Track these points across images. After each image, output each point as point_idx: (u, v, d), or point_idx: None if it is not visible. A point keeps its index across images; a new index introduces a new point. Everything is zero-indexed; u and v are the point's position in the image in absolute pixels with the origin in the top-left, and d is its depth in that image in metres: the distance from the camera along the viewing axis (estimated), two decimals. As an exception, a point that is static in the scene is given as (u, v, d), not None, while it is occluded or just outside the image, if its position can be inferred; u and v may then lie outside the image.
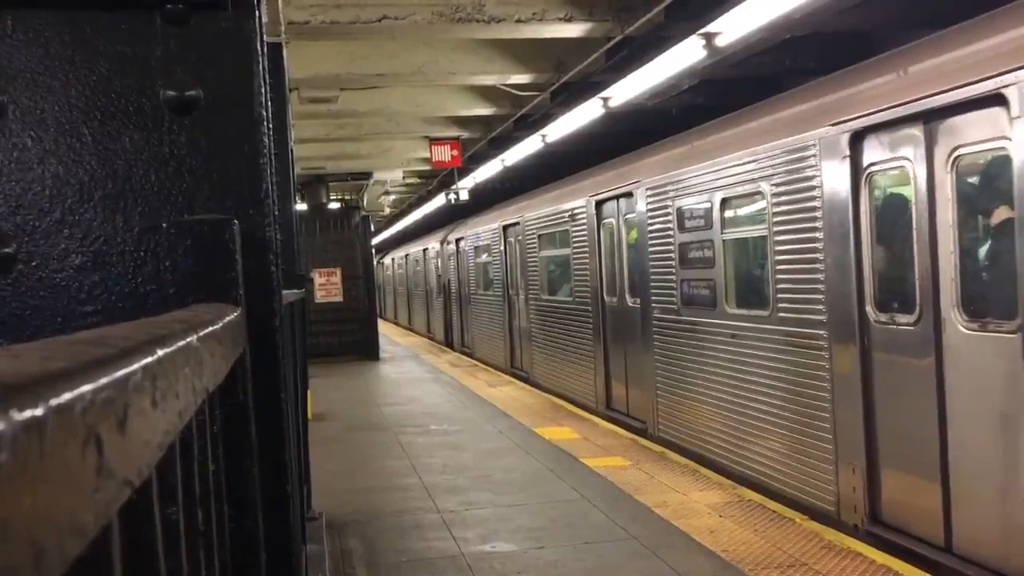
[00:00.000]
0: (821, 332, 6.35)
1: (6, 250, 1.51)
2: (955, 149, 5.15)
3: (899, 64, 5.74)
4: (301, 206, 19.54)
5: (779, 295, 6.84)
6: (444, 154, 15.82)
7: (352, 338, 19.68)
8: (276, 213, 1.75)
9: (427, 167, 17.76)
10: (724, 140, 7.87)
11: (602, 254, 11.09)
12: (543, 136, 13.01)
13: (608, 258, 10.98)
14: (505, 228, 15.77)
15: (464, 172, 18.13)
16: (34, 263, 1.52)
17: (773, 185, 6.87)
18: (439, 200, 21.43)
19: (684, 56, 8.17)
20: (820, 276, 6.31)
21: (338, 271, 19.59)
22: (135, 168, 1.57)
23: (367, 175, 20.94)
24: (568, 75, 10.69)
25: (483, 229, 17.57)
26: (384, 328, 24.26)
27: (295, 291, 4.68)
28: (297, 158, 12.63)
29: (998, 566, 4.83)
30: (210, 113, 1.59)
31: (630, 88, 9.70)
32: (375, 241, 28.22)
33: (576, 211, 11.77)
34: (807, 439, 6.61)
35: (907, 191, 5.54)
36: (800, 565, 5.40)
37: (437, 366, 17.94)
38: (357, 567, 5.82)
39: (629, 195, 9.98)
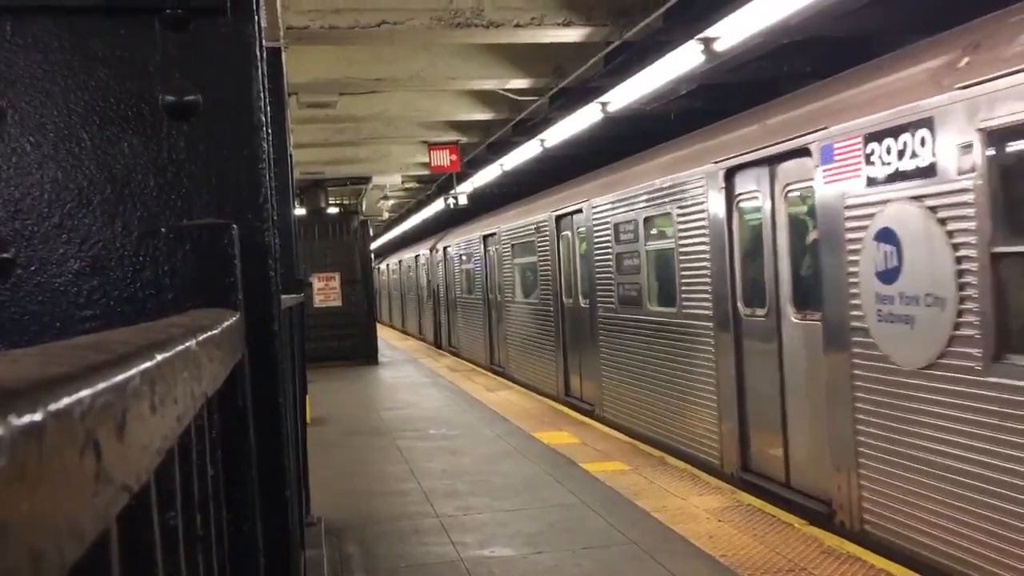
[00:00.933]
0: (709, 324, 8.06)
1: (5, 255, 1.51)
2: (786, 186, 6.89)
3: (762, 117, 7.36)
4: (300, 211, 19.54)
5: (683, 295, 8.55)
6: (443, 159, 15.83)
7: (351, 343, 19.67)
8: (275, 218, 1.75)
9: (426, 172, 17.77)
10: (648, 168, 9.53)
11: (561, 262, 12.74)
12: (542, 141, 13.02)
13: (566, 265, 12.59)
14: (485, 238, 17.43)
15: (463, 177, 18.13)
16: (33, 268, 1.52)
17: (679, 208, 8.53)
18: (438, 205, 21.45)
19: (682, 61, 8.19)
20: (708, 280, 8.01)
21: (337, 276, 19.59)
22: (134, 173, 1.57)
23: (366, 180, 20.93)
24: (567, 80, 10.70)
25: (466, 238, 19.52)
26: (381, 332, 24.52)
27: (294, 296, 4.68)
28: (296, 163, 12.63)
29: (816, 493, 6.57)
30: (209, 118, 1.59)
31: (629, 93, 9.72)
32: (374, 246, 28.43)
33: (541, 224, 13.42)
34: (700, 408, 8.35)
35: (759, 216, 7.25)
36: (799, 570, 5.39)
37: (436, 370, 17.93)
38: (356, 572, 5.81)
39: (580, 211, 11.67)
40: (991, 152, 4.80)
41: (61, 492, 0.38)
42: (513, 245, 15.17)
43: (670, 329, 8.92)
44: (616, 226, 10.27)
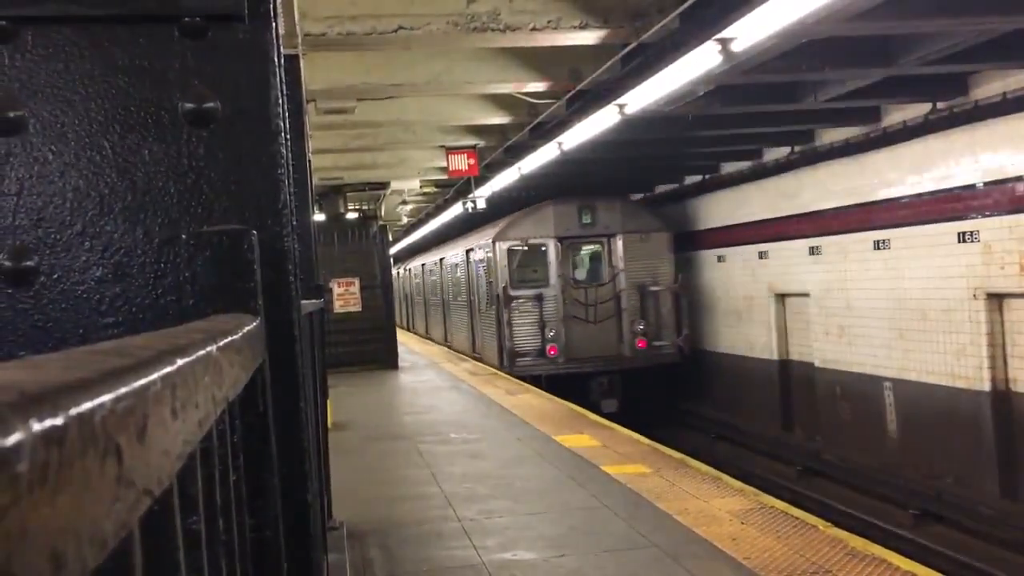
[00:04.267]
0: (467, 306, 23.59)
1: (28, 263, 1.52)
2: (476, 258, 21.93)
3: (473, 232, 23.98)
4: (319, 216, 19.62)
5: (464, 295, 23.95)
6: (461, 163, 15.84)
7: (371, 347, 19.72)
8: (294, 223, 1.76)
9: (444, 176, 17.79)
10: (458, 244, 25.06)
11: (442, 281, 27.77)
12: (559, 144, 13.01)
13: (446, 283, 27.31)
14: (423, 266, 33.04)
15: (482, 180, 18.15)
16: (56, 276, 1.54)
17: (460, 263, 24.05)
18: (456, 209, 21.51)
19: (700, 62, 8.16)
20: (466, 290, 23.48)
21: (356, 281, 19.65)
22: (154, 180, 1.58)
23: (384, 185, 20.99)
24: (584, 83, 10.68)
25: (415, 264, 36.14)
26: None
27: (314, 301, 4.70)
28: (315, 169, 12.68)
29: (479, 351, 22.08)
30: (228, 125, 1.60)
31: (646, 94, 9.70)
32: (393, 251, 29.27)
33: (435, 262, 29.24)
34: (468, 334, 23.73)
35: (474, 268, 22.35)
36: (824, 572, 5.35)
37: (456, 375, 17.95)
38: (378, 576, 5.81)
39: (444, 258, 26.88)
40: (490, 256, 20.09)
41: (83, 497, 0.38)
42: (428, 271, 31.08)
43: (463, 308, 23.86)
44: (452, 266, 25.48)
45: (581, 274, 19.44)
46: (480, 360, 20.81)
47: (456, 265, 24.50)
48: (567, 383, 17.30)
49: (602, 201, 19.23)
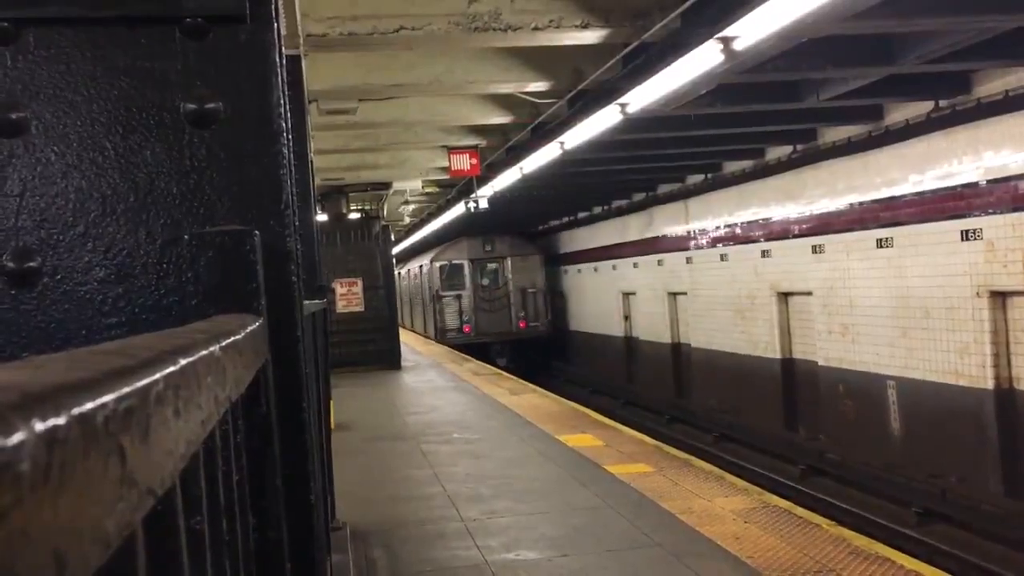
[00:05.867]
0: (420, 299, 34.75)
1: (31, 264, 1.52)
2: (424, 272, 33.50)
3: (425, 254, 34.55)
4: (322, 217, 19.62)
5: (419, 292, 35.50)
6: (463, 163, 15.83)
7: (374, 347, 19.73)
8: (296, 224, 1.76)
9: (446, 176, 17.79)
10: (425, 256, 33.94)
11: (412, 283, 38.96)
12: (561, 143, 13.00)
13: (417, 285, 36.36)
14: (399, 273, 38.36)
15: (484, 180, 18.15)
16: (59, 276, 1.54)
17: (421, 270, 34.40)
18: (458, 209, 21.50)
19: (701, 61, 8.15)
20: (420, 289, 34.91)
21: (359, 281, 19.65)
22: (157, 181, 1.58)
23: (386, 185, 20.98)
24: (585, 82, 10.68)
25: (396, 272, 48.39)
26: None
27: (317, 301, 4.70)
28: (317, 169, 12.69)
29: (426, 330, 33.92)
30: (230, 125, 1.60)
31: (647, 94, 9.69)
32: (395, 251, 30.44)
33: (412, 269, 38.22)
34: (423, 321, 34.36)
35: (422, 278, 33.95)
36: (827, 571, 5.35)
37: (459, 375, 17.95)
38: (381, 577, 5.81)
39: (422, 266, 34.13)
40: (432, 270, 31.51)
41: (85, 497, 0.38)
42: (402, 276, 38.54)
43: (419, 303, 35.14)
44: (414, 275, 36.50)
45: (485, 282, 30.78)
46: (426, 336, 32.45)
47: (416, 275, 36.35)
48: (477, 348, 27.82)
49: (498, 236, 30.69)
